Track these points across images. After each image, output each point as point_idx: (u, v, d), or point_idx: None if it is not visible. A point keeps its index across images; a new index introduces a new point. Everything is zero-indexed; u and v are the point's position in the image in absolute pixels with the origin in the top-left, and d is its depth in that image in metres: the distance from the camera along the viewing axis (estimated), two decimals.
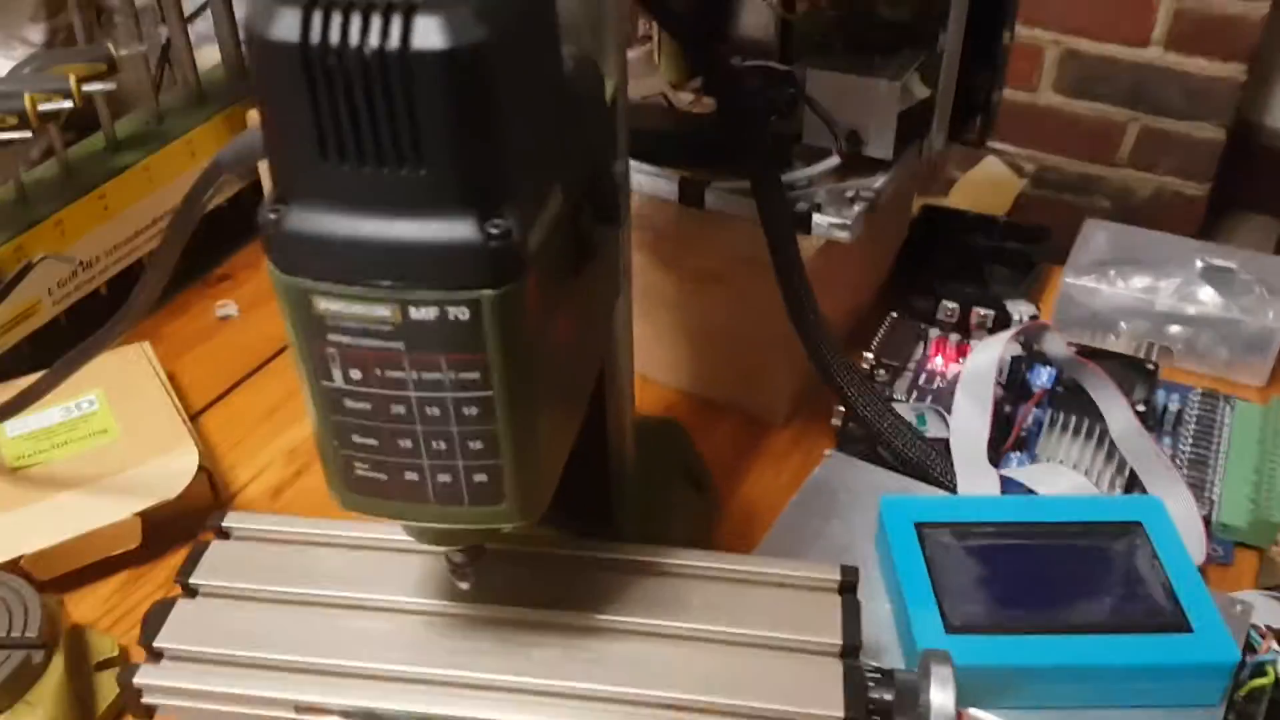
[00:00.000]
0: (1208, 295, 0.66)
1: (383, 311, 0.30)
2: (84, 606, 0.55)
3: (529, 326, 0.31)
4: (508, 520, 0.35)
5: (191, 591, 0.45)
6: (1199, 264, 0.67)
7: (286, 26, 0.27)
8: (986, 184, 1.40)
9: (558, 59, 0.32)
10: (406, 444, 0.33)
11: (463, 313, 0.30)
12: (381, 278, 0.30)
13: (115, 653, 0.50)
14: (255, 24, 0.27)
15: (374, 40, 0.27)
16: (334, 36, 0.27)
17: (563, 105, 0.33)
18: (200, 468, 0.57)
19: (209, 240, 0.76)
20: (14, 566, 0.52)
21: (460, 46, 0.27)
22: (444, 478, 0.34)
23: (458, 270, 0.29)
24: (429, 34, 0.27)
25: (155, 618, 0.43)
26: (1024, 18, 1.37)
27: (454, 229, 0.29)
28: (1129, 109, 1.41)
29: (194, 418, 0.64)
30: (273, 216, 0.29)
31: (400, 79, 0.27)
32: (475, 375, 0.31)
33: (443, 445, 0.33)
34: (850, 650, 0.41)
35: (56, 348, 0.51)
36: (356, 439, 0.33)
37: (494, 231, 0.29)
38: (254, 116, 0.74)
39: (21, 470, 0.57)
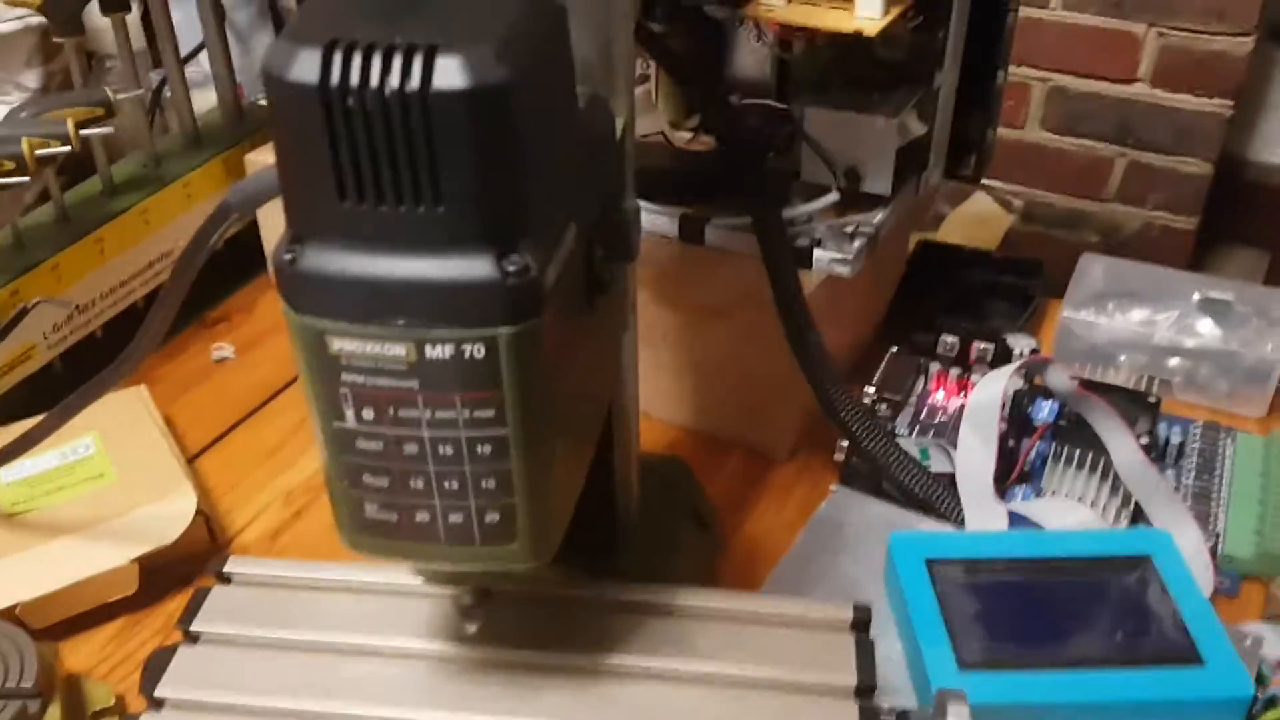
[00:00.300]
0: (1205, 328, 0.66)
1: (398, 350, 0.30)
2: (79, 654, 0.54)
3: (545, 363, 0.31)
4: (519, 561, 0.35)
5: (193, 638, 0.44)
6: (1196, 297, 0.68)
7: (306, 67, 0.27)
8: (976, 220, 1.41)
9: (573, 97, 0.32)
10: (418, 484, 0.33)
11: (479, 350, 0.30)
12: (397, 316, 0.29)
13: (111, 702, 0.50)
14: (275, 65, 0.27)
15: (394, 81, 0.27)
16: (354, 77, 0.27)
17: (577, 143, 0.33)
18: (197, 512, 0.56)
19: (205, 283, 0.75)
20: (8, 614, 0.52)
21: (482, 86, 0.27)
22: (456, 518, 0.33)
23: (475, 308, 0.29)
24: (450, 74, 0.27)
25: (156, 665, 0.43)
26: (1012, 57, 1.39)
27: (472, 267, 0.29)
28: (1116, 145, 1.43)
29: (191, 461, 0.64)
30: (289, 257, 0.29)
31: (421, 118, 0.27)
32: (490, 413, 0.31)
33: (455, 485, 0.33)
34: (864, 690, 0.41)
35: (52, 392, 0.51)
36: (367, 479, 0.33)
37: (511, 269, 0.29)
38: (252, 159, 0.74)
39: (17, 516, 0.56)
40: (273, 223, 0.76)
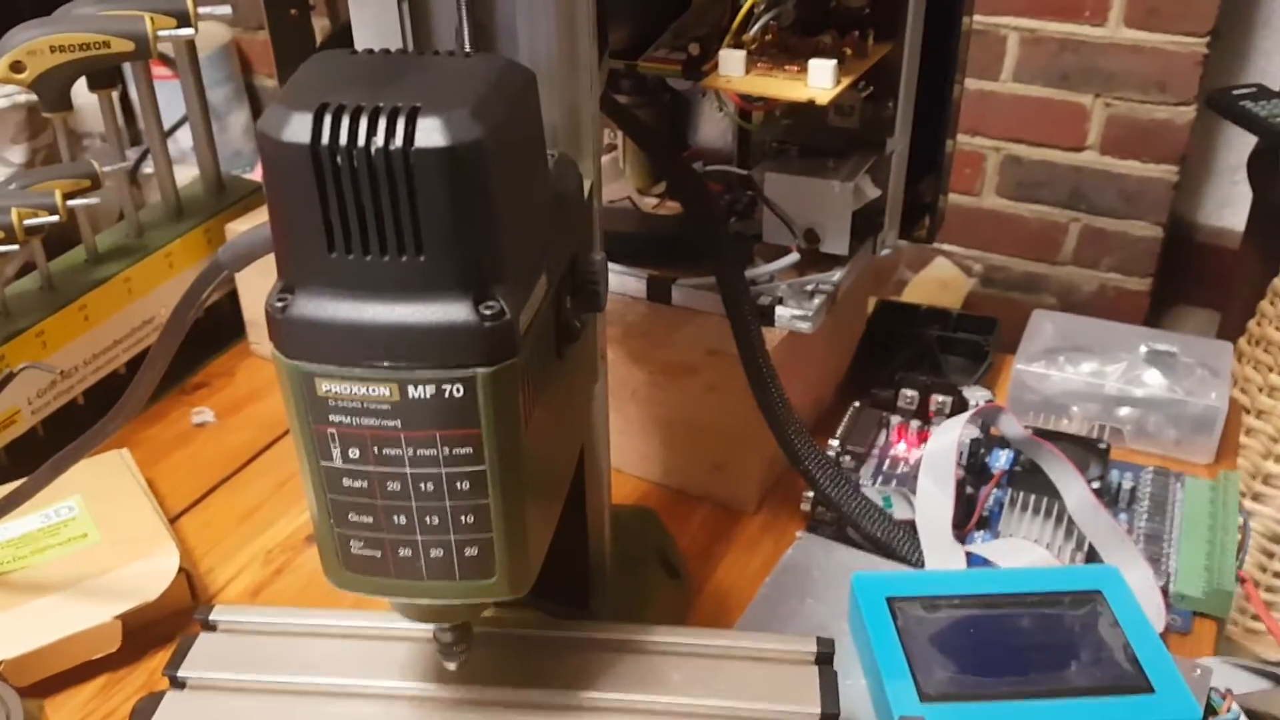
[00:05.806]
0: (1153, 378, 0.69)
1: (382, 391, 0.32)
2: (62, 712, 0.54)
3: (519, 403, 0.33)
4: (498, 594, 0.36)
5: (179, 684, 0.45)
6: (1143, 349, 0.71)
7: (299, 129, 0.29)
8: (938, 284, 1.45)
9: (543, 156, 0.35)
10: (401, 520, 0.35)
11: (458, 390, 0.32)
12: (381, 359, 0.32)
13: None
14: (269, 128, 0.30)
15: (380, 140, 0.29)
16: (343, 138, 0.29)
17: (547, 198, 0.35)
18: (180, 569, 0.58)
19: (185, 351, 0.77)
20: None
21: (459, 143, 0.29)
22: (437, 552, 0.35)
23: (454, 349, 0.31)
24: (431, 133, 0.29)
25: (144, 712, 0.44)
26: (966, 127, 1.45)
27: (451, 311, 0.31)
28: (1069, 210, 1.48)
29: (172, 522, 0.65)
30: (280, 305, 0.31)
31: (405, 174, 0.29)
32: (468, 450, 0.33)
33: (436, 520, 0.35)
34: (829, 719, 0.42)
35: (34, 458, 0.52)
36: (353, 517, 0.35)
37: (488, 313, 0.31)
38: (233, 229, 0.76)
39: (1, 576, 0.57)
40: (252, 291, 0.78)
